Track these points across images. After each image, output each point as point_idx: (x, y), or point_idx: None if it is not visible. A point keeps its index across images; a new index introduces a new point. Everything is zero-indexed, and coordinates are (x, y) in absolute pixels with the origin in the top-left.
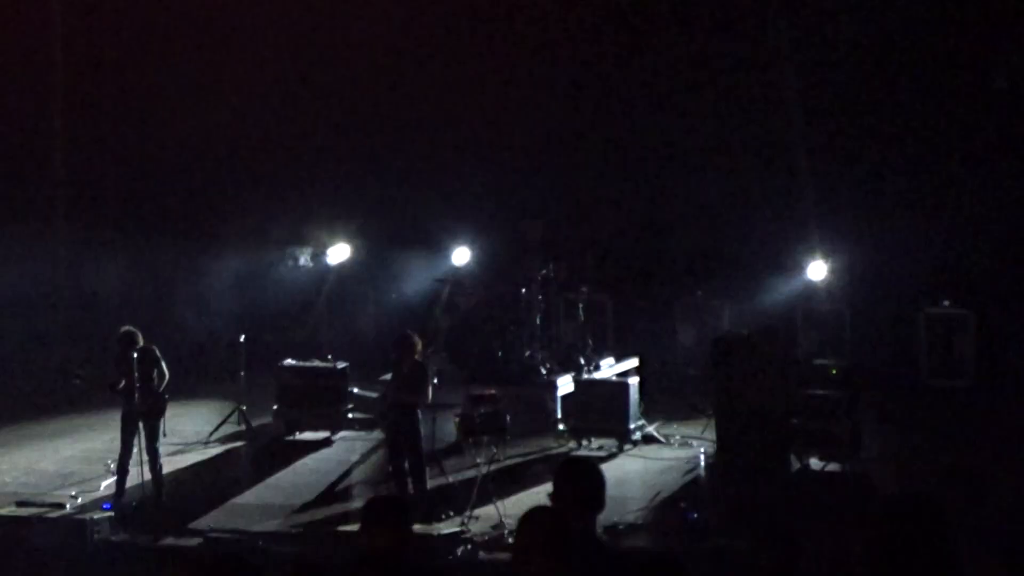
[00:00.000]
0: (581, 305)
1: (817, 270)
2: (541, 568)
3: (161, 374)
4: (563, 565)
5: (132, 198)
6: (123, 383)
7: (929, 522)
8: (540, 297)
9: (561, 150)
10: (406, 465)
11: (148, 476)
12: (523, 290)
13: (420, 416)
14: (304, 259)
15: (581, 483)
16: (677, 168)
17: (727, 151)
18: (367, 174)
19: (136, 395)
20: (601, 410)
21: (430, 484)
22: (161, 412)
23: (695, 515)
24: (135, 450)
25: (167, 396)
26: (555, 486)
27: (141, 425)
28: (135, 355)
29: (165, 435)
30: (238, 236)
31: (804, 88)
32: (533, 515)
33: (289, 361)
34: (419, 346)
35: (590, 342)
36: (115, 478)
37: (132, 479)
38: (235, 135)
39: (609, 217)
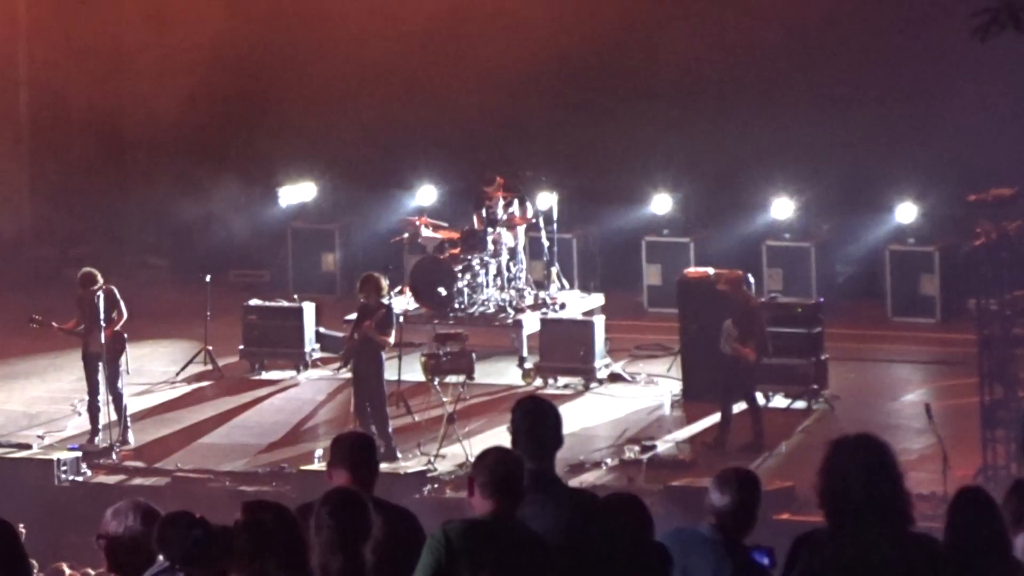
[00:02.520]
0: (547, 243)
1: (783, 207)
2: (490, 508)
3: (120, 314)
4: (512, 505)
5: (106, 137)
6: (81, 324)
7: (869, 458)
8: (505, 235)
9: (525, 86)
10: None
11: (114, 416)
12: (488, 228)
13: (383, 356)
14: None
15: (536, 422)
16: (646, 104)
17: (702, 89)
18: (334, 112)
19: (95, 335)
20: (567, 349)
21: (397, 423)
22: (120, 351)
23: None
24: (101, 389)
25: (125, 336)
26: (511, 426)
27: (101, 365)
28: (96, 295)
29: (128, 373)
30: (209, 174)
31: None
32: (486, 455)
33: (255, 301)
34: (385, 286)
35: (556, 280)
36: (87, 418)
37: (101, 418)
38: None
39: (576, 152)
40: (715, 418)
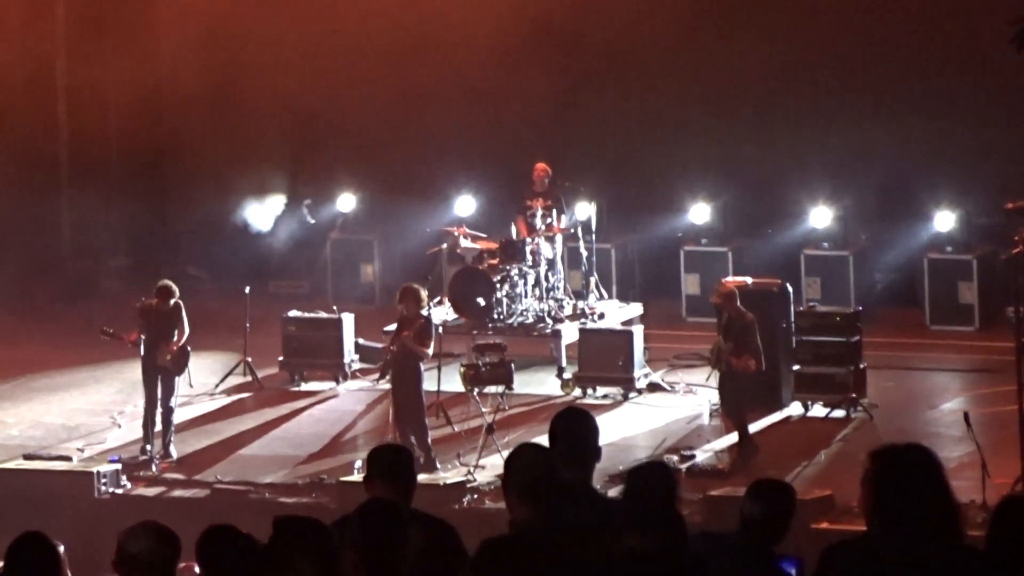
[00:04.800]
0: (585, 253)
1: (821, 216)
2: (522, 513)
3: (183, 330)
4: (540, 510)
5: (144, 147)
6: (142, 335)
7: (917, 469)
8: (543, 245)
9: (569, 98)
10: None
11: (160, 427)
12: (527, 238)
13: (422, 368)
14: (305, 211)
15: (573, 432)
16: (685, 113)
17: (742, 98)
18: (368, 122)
19: (162, 349)
20: (606, 358)
21: (436, 434)
22: (184, 366)
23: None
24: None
25: (189, 349)
26: (550, 437)
27: (160, 379)
28: (168, 308)
29: (192, 387)
30: (243, 187)
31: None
32: (517, 454)
33: (294, 312)
34: (424, 298)
35: (595, 290)
36: (128, 429)
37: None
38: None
39: (615, 163)
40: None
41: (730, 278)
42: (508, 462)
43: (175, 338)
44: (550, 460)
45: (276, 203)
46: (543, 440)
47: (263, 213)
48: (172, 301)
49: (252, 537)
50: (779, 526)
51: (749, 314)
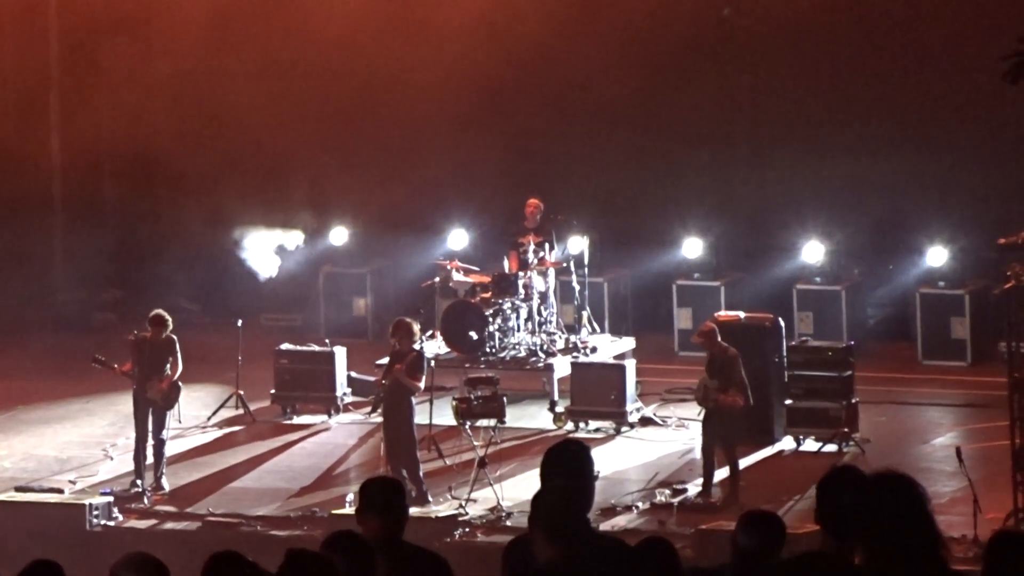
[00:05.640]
0: (578, 287)
1: (813, 250)
2: (549, 553)
3: (176, 364)
4: (569, 550)
5: (137, 181)
6: (136, 367)
7: (903, 499)
8: (536, 279)
9: (559, 129)
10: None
11: (151, 460)
12: (520, 272)
13: (414, 402)
14: (297, 244)
15: (571, 466)
16: (678, 148)
17: (735, 133)
18: (360, 155)
19: (153, 381)
20: (598, 392)
21: (428, 467)
22: (175, 401)
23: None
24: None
25: (180, 385)
26: (542, 470)
27: (151, 411)
28: (161, 339)
29: (180, 422)
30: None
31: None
32: (544, 494)
33: (287, 345)
34: (417, 332)
35: (587, 324)
36: (120, 461)
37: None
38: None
39: (608, 197)
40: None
41: (722, 313)
42: (535, 502)
43: (168, 371)
44: (577, 500)
45: (272, 240)
46: (537, 473)
47: (264, 257)
48: (165, 333)
49: (258, 566)
50: (772, 557)
51: (732, 349)
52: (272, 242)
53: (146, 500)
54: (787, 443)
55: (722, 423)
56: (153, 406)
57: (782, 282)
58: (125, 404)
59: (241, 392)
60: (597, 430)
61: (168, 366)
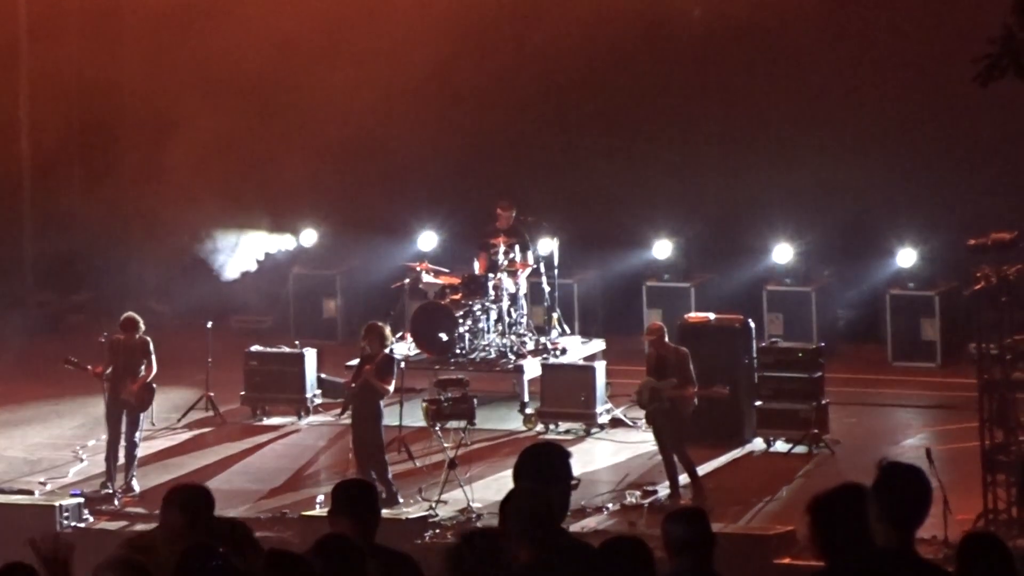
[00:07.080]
0: (548, 289)
1: (783, 252)
2: (524, 556)
3: (150, 366)
4: (542, 551)
5: (107, 183)
6: (109, 368)
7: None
8: (506, 280)
9: (529, 130)
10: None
11: (123, 462)
12: (489, 274)
13: (382, 404)
14: (271, 247)
15: (547, 465)
16: (648, 149)
17: (705, 134)
18: (335, 158)
19: (126, 383)
20: (568, 394)
21: (398, 469)
22: (148, 403)
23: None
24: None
25: (155, 387)
26: (515, 471)
27: (124, 413)
28: (133, 343)
29: (154, 425)
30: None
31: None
32: (513, 497)
33: (256, 347)
34: (388, 336)
35: (557, 325)
36: (91, 463)
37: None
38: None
39: (578, 198)
40: (708, 466)
41: (692, 314)
42: (504, 506)
43: (142, 373)
44: (548, 501)
45: (243, 243)
46: (508, 474)
47: (232, 259)
48: (138, 334)
49: (231, 559)
50: (712, 544)
51: (682, 348)
52: (250, 244)
53: (116, 502)
54: (757, 444)
55: (669, 424)
56: (127, 408)
57: (752, 283)
58: (95, 406)
59: (211, 394)
60: (567, 431)
61: (143, 368)
